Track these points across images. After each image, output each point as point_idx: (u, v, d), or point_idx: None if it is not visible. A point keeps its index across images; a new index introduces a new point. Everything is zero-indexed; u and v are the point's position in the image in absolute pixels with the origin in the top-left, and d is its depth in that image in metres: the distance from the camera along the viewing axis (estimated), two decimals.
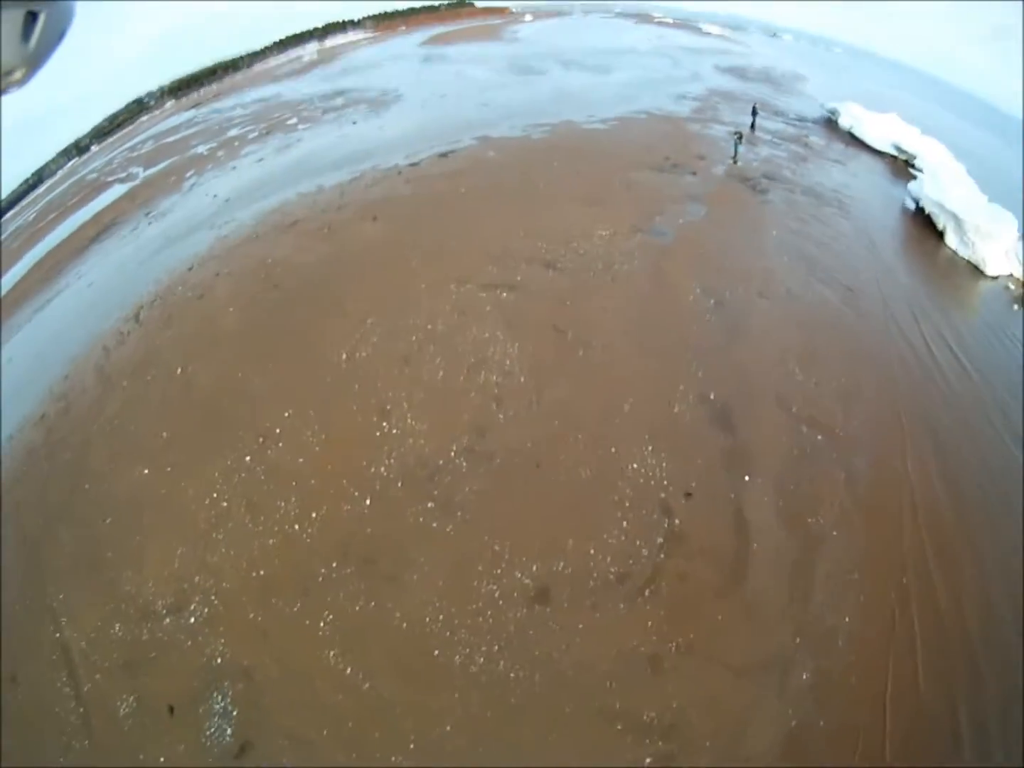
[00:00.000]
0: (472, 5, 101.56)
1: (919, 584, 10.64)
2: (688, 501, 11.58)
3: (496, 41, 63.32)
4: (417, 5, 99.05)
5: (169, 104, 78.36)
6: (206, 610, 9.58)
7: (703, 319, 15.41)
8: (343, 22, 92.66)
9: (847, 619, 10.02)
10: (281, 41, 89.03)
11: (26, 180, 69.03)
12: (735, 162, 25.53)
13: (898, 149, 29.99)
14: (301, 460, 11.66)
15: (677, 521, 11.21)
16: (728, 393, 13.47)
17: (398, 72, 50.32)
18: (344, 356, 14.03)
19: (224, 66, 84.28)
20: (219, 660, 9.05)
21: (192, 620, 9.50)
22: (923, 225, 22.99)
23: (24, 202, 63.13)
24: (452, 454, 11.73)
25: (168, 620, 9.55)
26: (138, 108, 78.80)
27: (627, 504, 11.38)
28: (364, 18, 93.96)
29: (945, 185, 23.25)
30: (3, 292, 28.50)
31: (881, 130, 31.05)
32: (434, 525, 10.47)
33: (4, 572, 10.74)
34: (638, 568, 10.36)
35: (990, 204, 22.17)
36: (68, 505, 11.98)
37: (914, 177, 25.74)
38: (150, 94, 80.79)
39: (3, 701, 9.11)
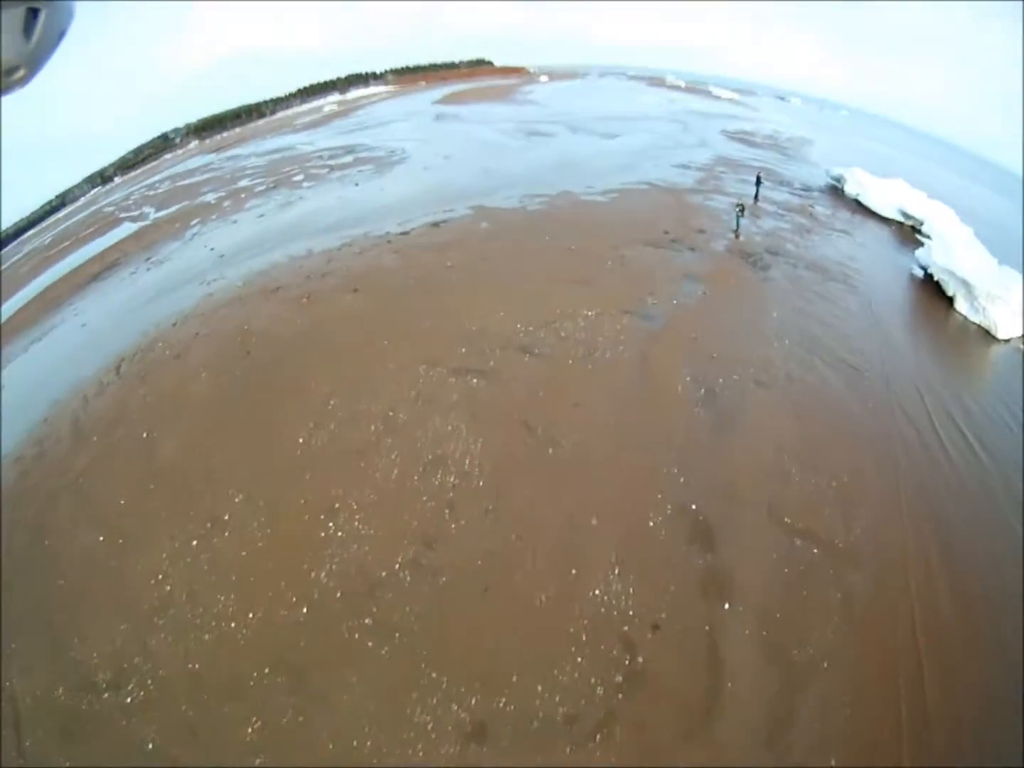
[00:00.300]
0: (491, 64, 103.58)
1: (916, 724, 8.95)
2: (655, 635, 9.86)
3: (509, 102, 63.46)
4: (438, 61, 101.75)
5: (193, 144, 79.62)
6: (142, 693, 9.15)
7: (691, 413, 13.78)
8: (365, 74, 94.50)
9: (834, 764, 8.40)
10: (304, 89, 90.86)
11: (49, 202, 69.89)
12: (737, 236, 24.33)
13: (905, 215, 29.15)
14: (244, 554, 10.93)
15: (640, 658, 9.53)
16: (713, 503, 11.71)
17: (409, 130, 50.41)
18: (301, 441, 13.12)
19: (248, 110, 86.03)
20: (149, 746, 8.63)
21: (128, 700, 9.10)
22: (932, 293, 21.72)
23: (44, 224, 63.50)
24: (396, 567, 10.55)
25: (107, 695, 9.19)
26: (163, 144, 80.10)
27: (584, 637, 9.77)
28: (386, 71, 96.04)
29: (954, 250, 22.00)
30: (6, 317, 30.91)
31: (887, 196, 30.28)
32: (370, 644, 9.50)
33: None
34: (590, 710, 8.88)
35: (1000, 267, 21.29)
36: (28, 557, 11.81)
37: (921, 244, 24.70)
38: (176, 130, 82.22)
39: None
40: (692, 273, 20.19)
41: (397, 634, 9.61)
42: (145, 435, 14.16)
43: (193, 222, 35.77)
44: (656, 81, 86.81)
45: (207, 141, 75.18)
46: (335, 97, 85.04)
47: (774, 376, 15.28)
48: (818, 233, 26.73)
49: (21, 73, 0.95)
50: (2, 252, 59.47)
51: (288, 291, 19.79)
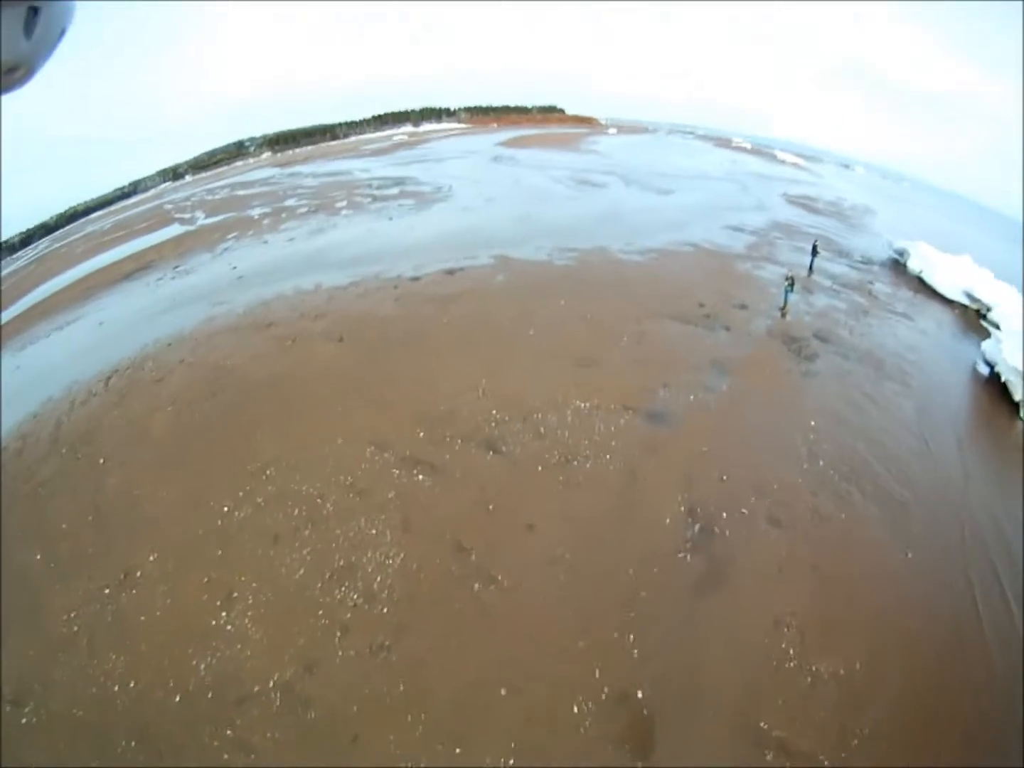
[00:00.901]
0: (562, 111, 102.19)
1: None
2: None
3: (570, 150, 61.19)
4: (511, 103, 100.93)
5: (265, 155, 79.86)
6: (35, 719, 8.65)
7: (674, 559, 10.45)
8: (439, 109, 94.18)
9: None
10: (379, 117, 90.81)
11: (122, 188, 70.92)
12: (783, 315, 20.89)
13: (970, 298, 25.69)
14: (143, 618, 9.91)
15: None
16: (666, 692, 8.51)
17: (463, 168, 48.56)
18: (226, 509, 11.70)
19: (322, 130, 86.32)
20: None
21: (23, 720, 8.65)
22: (999, 396, 17.97)
23: (112, 208, 64.08)
24: (270, 684, 8.75)
25: (8, 708, 8.78)
26: (237, 151, 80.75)
27: None
28: (460, 109, 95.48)
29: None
30: (47, 295, 33.92)
31: (952, 275, 26.97)
32: (225, 756, 8.10)
33: None
34: None
35: None
36: None
37: (988, 334, 21.64)
38: (252, 140, 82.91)
39: None
40: (721, 360, 16.74)
41: (253, 755, 8.07)
42: (102, 461, 13.60)
43: (231, 235, 35.16)
44: (722, 142, 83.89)
45: (278, 155, 75.28)
46: (407, 128, 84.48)
47: (795, 512, 11.61)
48: (876, 315, 22.92)
49: (21, 72, 0.88)
50: (70, 227, 60.53)
51: (279, 328, 18.74)
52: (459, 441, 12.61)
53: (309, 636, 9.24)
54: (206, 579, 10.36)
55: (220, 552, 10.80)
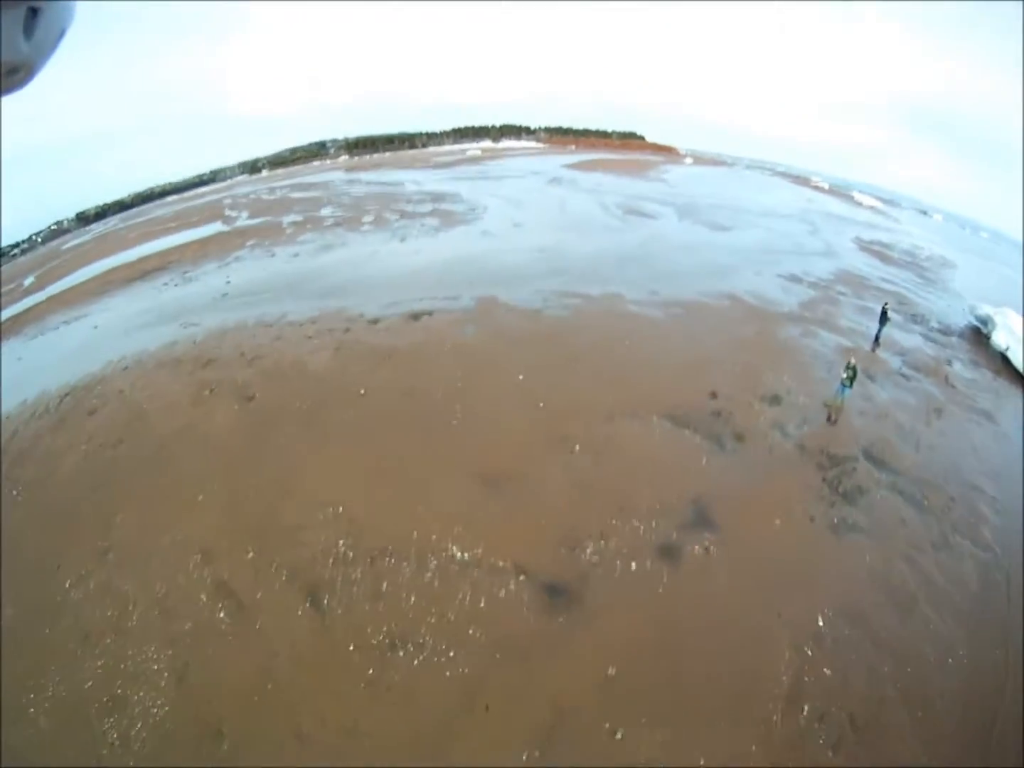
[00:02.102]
0: (642, 139, 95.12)
1: None
2: None
3: (636, 176, 54.70)
4: (592, 127, 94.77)
5: (342, 158, 77.28)
6: None
7: None
8: (520, 127, 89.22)
9: None
10: (459, 130, 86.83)
11: (201, 175, 69.70)
12: (831, 419, 14.61)
13: None
14: None
15: None
16: None
17: (513, 189, 43.55)
18: (67, 584, 9.54)
19: (402, 138, 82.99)
20: None
21: None
22: None
23: (187, 193, 62.52)
24: None
25: None
26: (318, 151, 78.53)
27: None
28: (539, 128, 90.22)
29: None
30: (81, 280, 33.19)
31: None
32: None
33: None
34: None
35: None
36: None
37: None
38: (334, 141, 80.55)
39: None
40: (708, 499, 10.72)
41: None
42: (14, 492, 12.27)
43: (249, 242, 32.35)
44: (800, 180, 74.90)
45: (355, 158, 72.52)
46: (486, 143, 79.79)
47: None
48: (951, 416, 16.25)
49: (21, 74, 0.83)
50: (143, 207, 59.30)
51: (211, 371, 16.04)
52: (284, 575, 8.95)
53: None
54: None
55: (47, 630, 8.76)
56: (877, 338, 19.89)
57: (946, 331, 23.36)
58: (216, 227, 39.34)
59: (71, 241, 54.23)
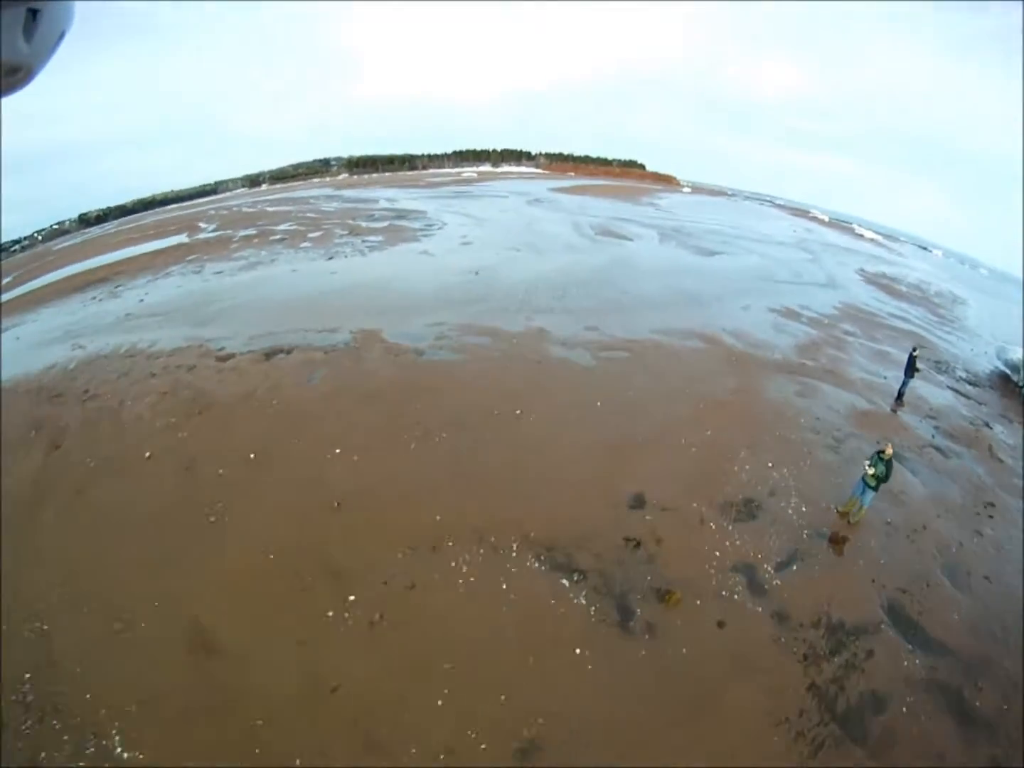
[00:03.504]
0: (642, 167, 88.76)
1: None
2: None
3: (626, 200, 48.47)
4: (593, 154, 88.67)
5: (342, 176, 71.98)
6: None
7: None
8: (520, 152, 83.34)
9: None
10: (460, 152, 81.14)
11: (204, 186, 64.94)
12: (836, 544, 8.35)
13: None
14: None
15: None
16: None
17: (487, 208, 37.60)
18: None
19: (402, 159, 77.45)
20: None
21: None
22: None
23: (184, 203, 57.39)
24: None
25: None
26: (322, 167, 73.39)
27: None
28: (540, 154, 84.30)
29: None
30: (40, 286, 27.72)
31: None
32: None
33: None
34: None
35: None
36: None
37: None
38: (338, 159, 75.37)
39: None
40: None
41: None
42: None
43: (190, 257, 26.87)
44: (799, 212, 67.99)
45: (353, 176, 67.38)
46: (485, 167, 73.90)
47: None
48: (1005, 512, 10.15)
49: (21, 75, 0.77)
50: (142, 213, 54.90)
51: (53, 405, 12.02)
52: None
53: None
54: None
55: None
56: (901, 394, 13.43)
57: (975, 381, 16.84)
58: (179, 239, 33.94)
59: (66, 242, 49.91)
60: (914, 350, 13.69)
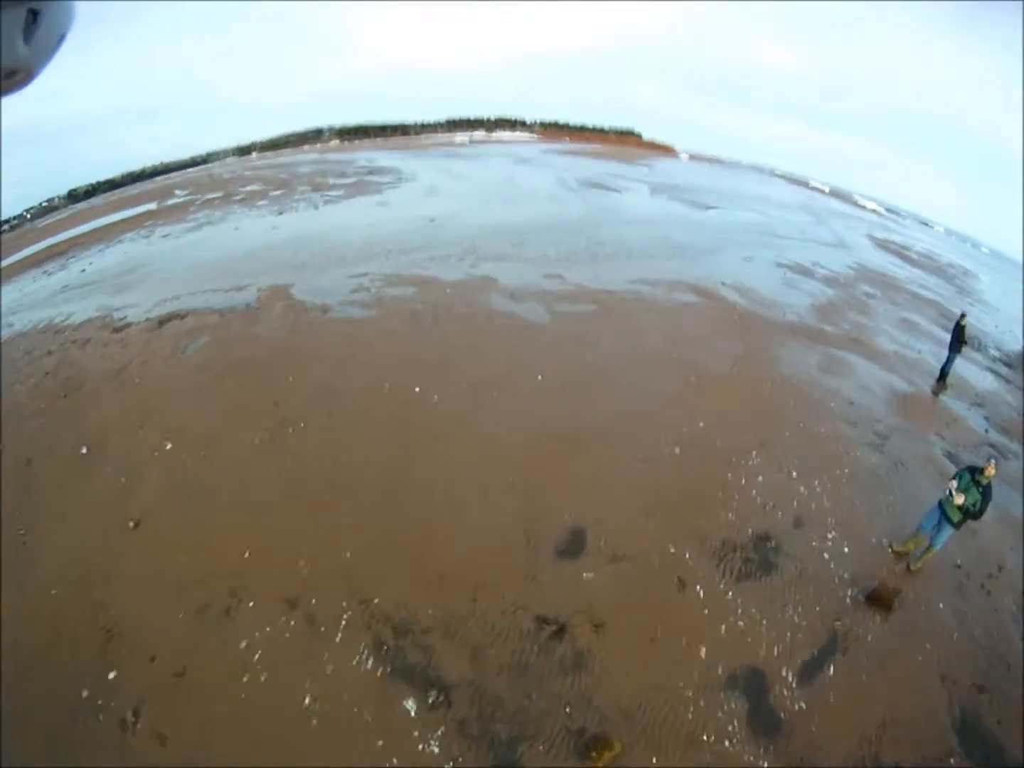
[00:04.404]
0: (639, 136, 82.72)
1: None
2: None
3: (618, 162, 43.57)
4: (590, 123, 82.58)
5: (333, 143, 67.11)
6: None
7: None
8: (515, 120, 77.40)
9: None
10: (454, 121, 75.33)
11: (195, 157, 60.41)
12: (881, 604, 4.91)
13: None
14: None
15: None
16: None
17: (468, 166, 33.10)
18: None
19: (395, 127, 72.12)
20: None
21: None
22: None
23: (173, 174, 53.26)
24: None
25: None
26: (313, 136, 68.38)
27: None
28: (535, 123, 78.46)
29: None
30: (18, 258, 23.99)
31: None
32: None
33: None
34: None
35: None
36: None
37: None
38: (330, 128, 70.03)
39: None
40: None
41: None
42: None
43: (146, 224, 23.43)
44: (799, 182, 62.79)
45: (344, 143, 63.15)
46: (479, 134, 68.75)
47: None
48: None
49: (20, 76, 0.72)
50: (131, 186, 51.17)
51: None
52: None
53: None
54: None
55: None
56: (945, 373, 9.86)
57: (1008, 361, 13.28)
58: (147, 207, 30.39)
59: (51, 219, 46.34)
60: (962, 317, 10.05)
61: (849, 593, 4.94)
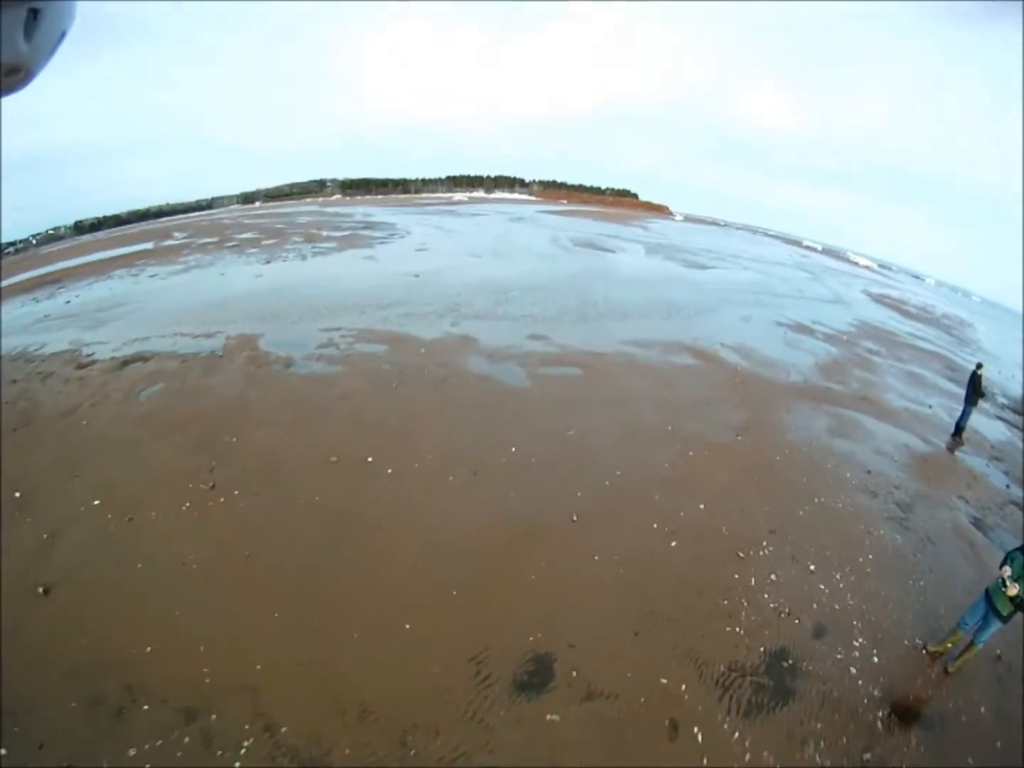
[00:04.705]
0: (635, 196, 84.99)
1: None
2: None
3: (613, 222, 44.24)
4: (587, 184, 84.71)
5: (335, 196, 68.18)
6: None
7: None
8: (514, 179, 79.35)
9: None
10: (454, 178, 76.98)
11: (200, 201, 61.19)
12: (904, 727, 3.81)
13: None
14: None
15: None
16: None
17: (461, 223, 33.29)
18: None
19: (396, 182, 73.50)
20: None
21: None
22: None
23: (179, 216, 53.62)
24: None
25: None
26: (317, 187, 69.47)
27: None
28: (533, 181, 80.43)
29: None
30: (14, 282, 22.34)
31: None
32: None
33: None
34: None
35: None
36: None
37: None
38: (333, 180, 71.32)
39: None
40: None
41: None
42: None
43: (138, 262, 22.83)
44: (792, 241, 64.07)
45: (346, 196, 64.61)
46: (478, 194, 70.40)
47: None
48: None
49: (21, 75, 0.70)
50: (136, 224, 51.73)
51: None
52: None
53: None
54: None
55: None
56: (961, 428, 9.25)
57: (1016, 408, 12.80)
58: (145, 246, 30.76)
59: (55, 247, 47.03)
60: (979, 368, 9.42)
61: (880, 715, 3.96)
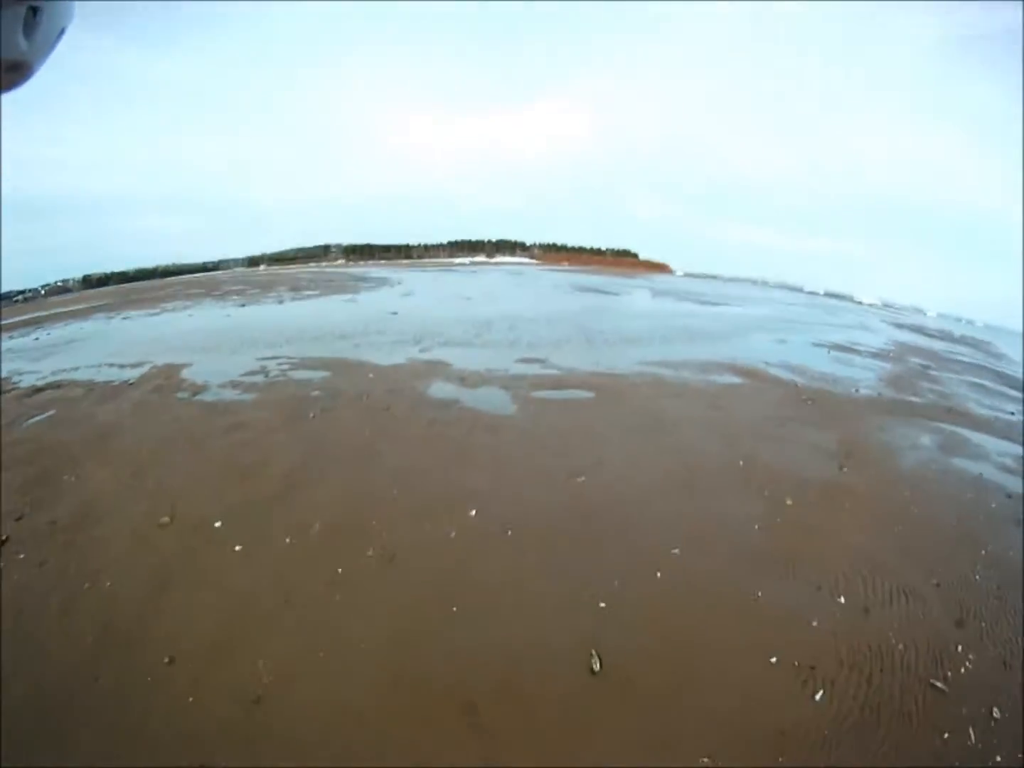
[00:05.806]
0: (635, 256, 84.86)
1: None
2: None
3: (618, 276, 43.38)
4: (587, 245, 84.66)
5: (339, 261, 67.72)
6: None
7: None
8: (514, 243, 79.18)
9: None
10: (455, 243, 76.74)
11: (205, 264, 60.94)
12: None
13: None
14: None
15: None
16: None
17: (460, 278, 31.76)
18: None
19: (398, 248, 73.35)
20: None
21: None
22: None
23: (184, 276, 53.15)
24: None
25: None
26: (321, 253, 69.52)
27: None
28: (534, 245, 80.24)
29: None
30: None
31: None
32: None
33: None
34: None
35: None
36: None
37: None
38: (337, 246, 71.19)
39: None
40: None
41: None
42: None
43: (118, 305, 22.87)
44: (794, 289, 63.14)
45: (348, 260, 65.47)
46: (479, 258, 70.53)
47: None
48: None
49: (20, 72, 0.71)
50: (141, 283, 52.19)
51: None
52: None
53: None
54: None
55: None
56: None
57: None
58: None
59: (61, 298, 47.33)
60: None
61: None
